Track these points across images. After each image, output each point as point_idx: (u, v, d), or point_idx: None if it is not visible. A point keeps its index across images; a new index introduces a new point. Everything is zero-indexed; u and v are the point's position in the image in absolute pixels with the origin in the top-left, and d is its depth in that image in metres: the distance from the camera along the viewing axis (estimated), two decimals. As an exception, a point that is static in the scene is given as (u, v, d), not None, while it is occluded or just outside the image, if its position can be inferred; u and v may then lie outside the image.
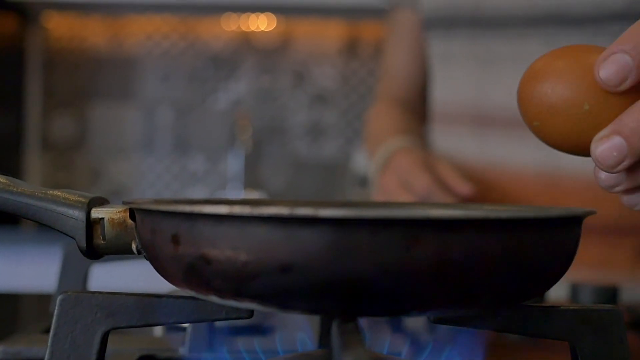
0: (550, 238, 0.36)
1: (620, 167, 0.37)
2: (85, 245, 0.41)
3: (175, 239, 0.35)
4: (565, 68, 0.39)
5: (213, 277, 0.34)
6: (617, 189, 0.38)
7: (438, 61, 0.92)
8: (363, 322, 0.38)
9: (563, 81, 0.38)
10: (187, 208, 0.34)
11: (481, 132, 0.87)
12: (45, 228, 0.43)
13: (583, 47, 0.40)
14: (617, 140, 0.36)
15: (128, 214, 0.41)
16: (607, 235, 0.83)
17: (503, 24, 0.85)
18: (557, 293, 0.72)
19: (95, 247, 0.42)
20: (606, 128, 0.37)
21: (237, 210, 0.33)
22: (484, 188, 0.86)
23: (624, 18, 0.79)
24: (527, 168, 0.84)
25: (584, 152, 0.39)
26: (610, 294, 0.63)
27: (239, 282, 0.34)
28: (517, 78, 0.41)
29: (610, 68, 0.37)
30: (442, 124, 0.93)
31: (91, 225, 0.41)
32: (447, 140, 0.92)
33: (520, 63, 0.81)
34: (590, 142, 0.37)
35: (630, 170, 0.38)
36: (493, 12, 0.85)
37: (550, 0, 0.82)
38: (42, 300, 0.73)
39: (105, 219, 0.41)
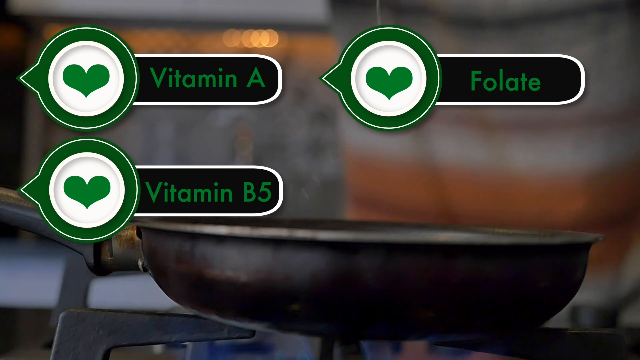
0: (554, 265, 0.35)
1: None
2: (93, 261, 0.42)
3: (178, 258, 0.36)
4: None
5: (214, 297, 0.35)
6: None
7: None
8: (365, 343, 0.38)
9: None
10: (189, 228, 0.35)
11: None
12: (44, 241, 0.43)
13: None
14: None
15: (135, 231, 0.41)
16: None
17: (479, 25, 0.81)
18: (557, 315, 0.72)
19: (103, 263, 0.42)
20: None
21: (237, 231, 0.33)
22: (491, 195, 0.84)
23: (604, 9, 0.78)
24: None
25: None
26: (611, 316, 0.63)
27: (238, 302, 0.34)
28: None
29: None
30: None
31: (99, 242, 0.42)
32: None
33: None
34: None
35: None
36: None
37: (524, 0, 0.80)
38: (41, 315, 0.72)
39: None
